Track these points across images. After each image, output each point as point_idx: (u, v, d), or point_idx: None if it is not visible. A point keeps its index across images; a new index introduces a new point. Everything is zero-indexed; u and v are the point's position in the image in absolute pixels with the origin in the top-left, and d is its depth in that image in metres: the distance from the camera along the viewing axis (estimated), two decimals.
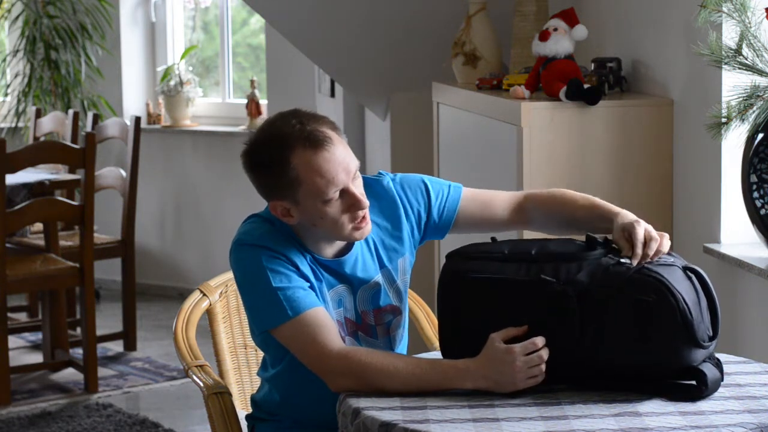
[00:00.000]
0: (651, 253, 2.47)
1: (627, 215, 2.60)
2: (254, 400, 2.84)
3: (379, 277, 2.70)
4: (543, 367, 2.42)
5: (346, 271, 2.67)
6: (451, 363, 2.47)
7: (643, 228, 2.51)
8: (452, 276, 2.54)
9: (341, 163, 2.56)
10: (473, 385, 2.44)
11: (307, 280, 2.61)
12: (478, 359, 2.44)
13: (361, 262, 2.69)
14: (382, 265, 2.71)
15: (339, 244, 2.68)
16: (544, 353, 2.42)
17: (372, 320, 2.71)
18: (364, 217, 2.60)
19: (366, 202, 2.59)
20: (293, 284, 2.57)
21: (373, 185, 2.74)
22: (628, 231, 2.51)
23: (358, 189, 2.59)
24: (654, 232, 2.52)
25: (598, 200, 2.71)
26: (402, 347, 2.80)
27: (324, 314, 2.57)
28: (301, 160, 2.55)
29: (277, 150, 2.57)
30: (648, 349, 2.37)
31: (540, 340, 2.43)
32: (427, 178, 2.79)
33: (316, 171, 2.55)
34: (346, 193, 2.58)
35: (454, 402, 2.40)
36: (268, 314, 2.58)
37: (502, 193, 2.81)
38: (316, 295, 2.62)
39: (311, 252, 2.65)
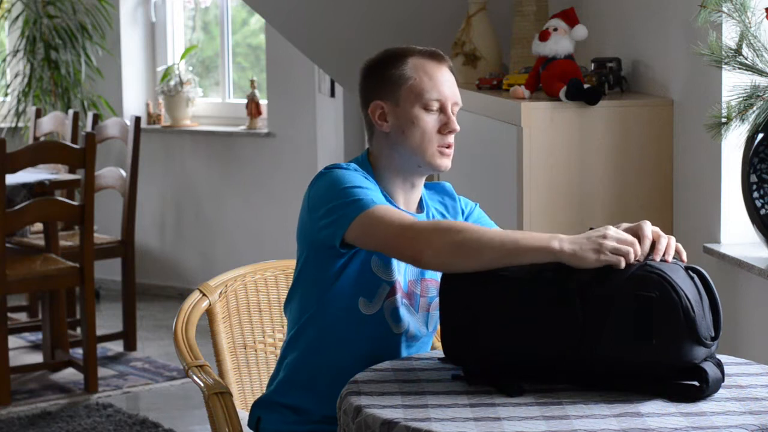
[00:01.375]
0: (662, 248, 2.46)
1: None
2: (269, 384, 2.84)
3: None
4: (631, 256, 2.39)
5: None
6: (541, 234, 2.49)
7: (650, 225, 2.52)
8: (454, 273, 2.54)
9: (449, 82, 2.72)
10: (559, 246, 2.40)
11: None
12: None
13: None
14: None
15: (414, 199, 2.75)
16: (638, 248, 2.41)
17: (419, 290, 2.75)
18: (450, 146, 2.71)
19: (458, 127, 2.70)
20: (376, 194, 2.64)
21: (434, 186, 2.87)
22: (634, 230, 2.51)
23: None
24: (661, 233, 2.53)
25: None
26: (433, 334, 2.84)
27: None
28: (416, 62, 2.72)
29: (399, 51, 2.75)
30: (650, 345, 2.37)
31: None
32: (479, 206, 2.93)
33: (426, 72, 2.71)
34: (443, 112, 2.70)
35: (455, 401, 2.40)
36: (351, 207, 2.58)
37: None
38: None
39: (391, 200, 2.71)
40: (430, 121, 2.69)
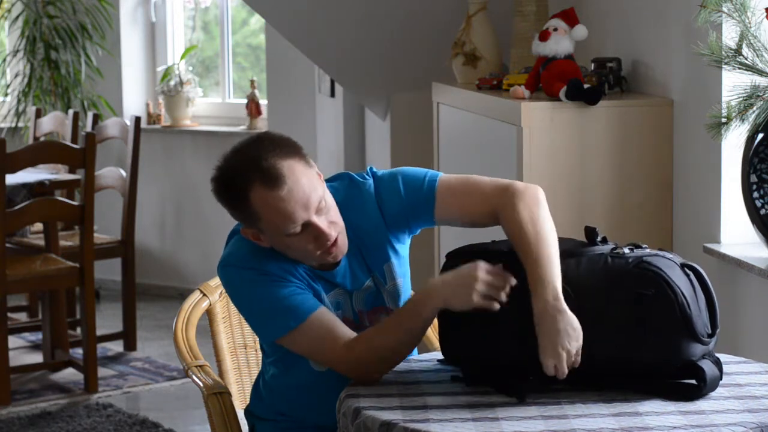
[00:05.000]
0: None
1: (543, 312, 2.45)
2: (257, 392, 2.84)
3: (369, 282, 2.71)
4: (503, 295, 2.42)
5: (337, 280, 2.68)
6: (419, 291, 2.52)
7: (552, 363, 2.42)
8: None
9: (299, 200, 2.53)
10: (437, 303, 2.46)
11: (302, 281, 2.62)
12: (445, 274, 2.49)
13: (350, 272, 2.69)
14: (371, 271, 2.71)
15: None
16: (508, 282, 2.43)
17: (367, 321, 2.71)
18: (335, 243, 2.58)
19: (332, 231, 2.56)
20: (288, 291, 2.57)
21: (359, 187, 2.71)
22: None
23: (324, 218, 2.56)
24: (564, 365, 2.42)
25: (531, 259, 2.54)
26: None
27: (325, 313, 2.58)
28: (258, 197, 2.53)
29: (237, 184, 2.56)
30: (647, 342, 2.38)
31: (511, 278, 2.44)
32: (402, 175, 2.71)
33: (272, 209, 2.53)
34: (309, 226, 2.55)
35: (454, 401, 2.40)
36: (272, 326, 2.60)
37: (480, 187, 2.68)
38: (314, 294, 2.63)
39: (300, 263, 2.64)
40: (301, 240, 2.56)
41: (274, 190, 2.52)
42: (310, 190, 2.54)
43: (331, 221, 2.57)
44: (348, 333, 2.57)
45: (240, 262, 2.61)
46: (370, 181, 2.72)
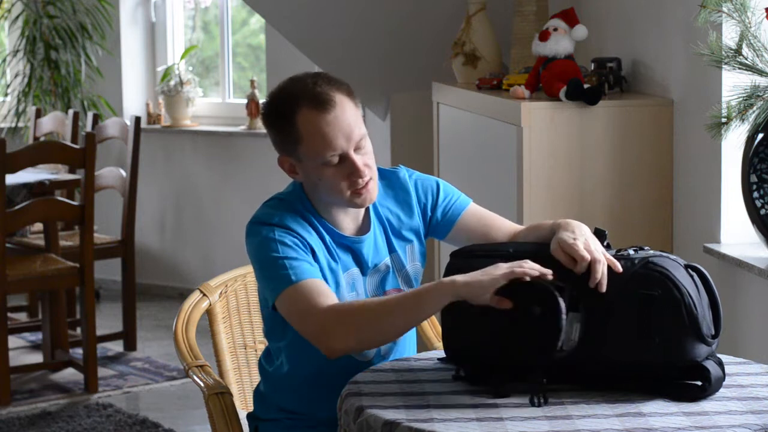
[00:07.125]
0: (598, 276, 2.42)
1: (567, 227, 2.55)
2: (259, 394, 2.85)
3: (388, 260, 2.74)
4: (528, 271, 2.39)
5: (362, 250, 2.70)
6: (431, 283, 2.49)
7: (582, 245, 2.46)
8: (456, 273, 2.54)
9: (343, 128, 2.60)
10: (453, 290, 2.42)
11: (317, 260, 2.63)
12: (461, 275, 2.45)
13: (374, 244, 2.73)
14: (391, 250, 2.76)
15: (357, 221, 2.72)
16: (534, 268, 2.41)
17: None
18: (366, 186, 2.63)
19: (366, 171, 2.62)
20: (300, 256, 2.59)
21: (388, 176, 2.80)
22: (567, 250, 2.47)
23: (361, 157, 2.62)
24: (594, 254, 2.45)
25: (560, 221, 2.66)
26: (412, 335, 2.83)
27: (323, 285, 2.58)
28: (304, 119, 2.60)
29: (285, 105, 2.63)
30: (652, 343, 2.37)
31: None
32: (442, 181, 2.84)
33: (316, 132, 2.60)
34: (346, 159, 2.61)
35: (458, 401, 2.40)
36: (275, 281, 2.59)
37: (504, 219, 2.84)
38: (328, 276, 2.64)
39: (332, 227, 2.68)
40: (335, 174, 2.61)
41: (322, 113, 2.59)
42: (354, 124, 2.63)
43: (366, 164, 2.64)
44: (331, 303, 2.57)
45: (270, 219, 2.64)
46: (403, 171, 2.82)
